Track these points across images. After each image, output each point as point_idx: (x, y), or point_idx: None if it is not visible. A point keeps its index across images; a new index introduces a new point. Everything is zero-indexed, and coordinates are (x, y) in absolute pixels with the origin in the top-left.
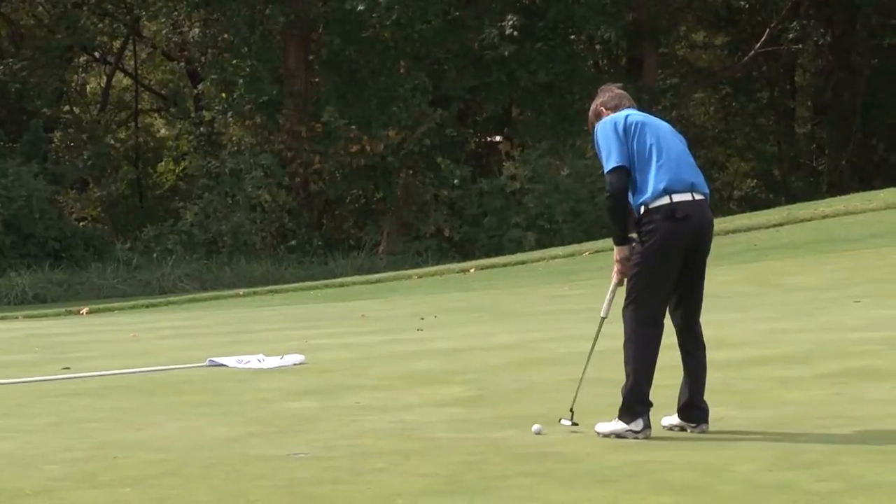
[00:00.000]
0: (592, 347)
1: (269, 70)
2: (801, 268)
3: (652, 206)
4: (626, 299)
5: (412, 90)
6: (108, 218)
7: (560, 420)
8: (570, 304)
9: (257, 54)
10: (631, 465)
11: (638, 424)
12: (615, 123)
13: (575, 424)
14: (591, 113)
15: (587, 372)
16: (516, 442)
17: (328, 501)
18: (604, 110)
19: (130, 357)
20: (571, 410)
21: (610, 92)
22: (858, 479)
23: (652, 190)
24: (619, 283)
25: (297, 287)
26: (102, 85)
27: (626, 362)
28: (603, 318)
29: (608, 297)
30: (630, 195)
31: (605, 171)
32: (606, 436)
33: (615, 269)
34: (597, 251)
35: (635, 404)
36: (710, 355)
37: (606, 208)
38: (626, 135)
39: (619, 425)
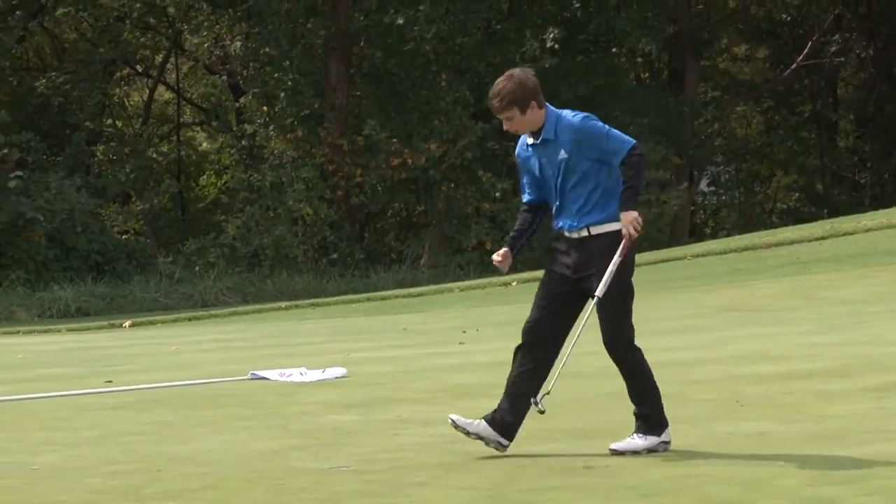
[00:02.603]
0: (579, 331)
1: (310, 83)
2: (844, 281)
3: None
4: (610, 322)
5: (453, 103)
6: (150, 231)
7: (532, 400)
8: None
9: (299, 68)
10: (672, 480)
11: (667, 435)
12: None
13: (541, 412)
14: (521, 86)
15: (567, 360)
16: (556, 455)
17: None
18: (535, 104)
19: (173, 370)
20: (547, 393)
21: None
22: None
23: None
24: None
25: (339, 300)
26: (145, 98)
27: (639, 380)
28: (598, 299)
29: (609, 273)
30: (600, 208)
31: (632, 143)
32: (637, 453)
33: (631, 231)
34: (638, 265)
35: (661, 416)
36: (753, 369)
37: (642, 169)
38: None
39: (652, 440)
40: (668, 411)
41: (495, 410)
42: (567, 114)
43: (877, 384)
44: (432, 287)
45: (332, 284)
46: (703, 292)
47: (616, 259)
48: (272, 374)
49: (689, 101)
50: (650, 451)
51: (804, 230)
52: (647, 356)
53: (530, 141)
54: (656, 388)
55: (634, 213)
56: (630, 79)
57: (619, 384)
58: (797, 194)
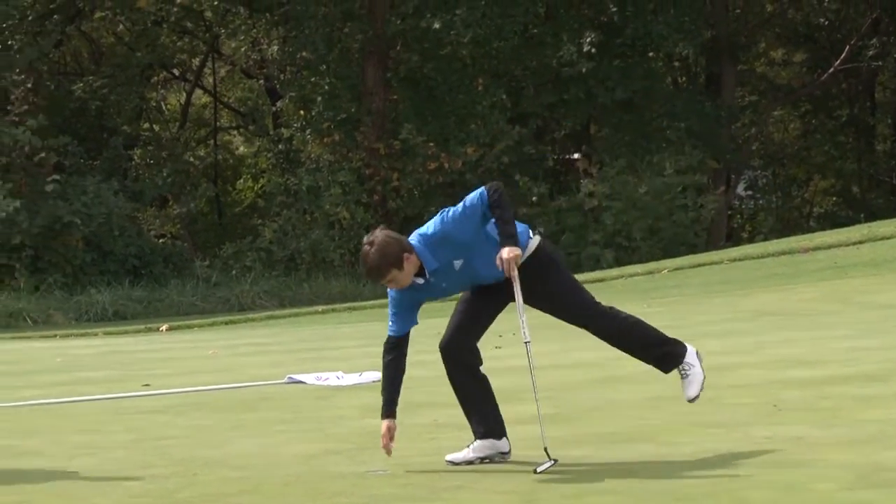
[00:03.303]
0: (532, 376)
1: (347, 87)
2: (882, 285)
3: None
4: (582, 301)
5: (490, 107)
6: (187, 235)
7: (535, 470)
8: (648, 321)
9: (336, 72)
10: (709, 484)
11: (691, 351)
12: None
13: (555, 461)
14: (383, 250)
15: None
16: (594, 460)
17: None
18: (406, 256)
19: (209, 374)
20: (546, 450)
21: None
22: None
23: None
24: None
25: (376, 304)
26: (182, 102)
27: (637, 340)
28: (529, 343)
29: (523, 315)
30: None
31: (482, 192)
32: (699, 394)
33: (511, 271)
34: (676, 269)
35: (671, 346)
36: (790, 373)
37: (501, 199)
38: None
39: (691, 358)
40: (706, 416)
41: (474, 432)
42: (429, 233)
43: None
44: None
45: (368, 288)
46: (740, 296)
47: (519, 296)
48: (309, 378)
49: (726, 106)
50: (702, 378)
51: (841, 234)
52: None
53: (420, 281)
54: (651, 328)
55: (516, 251)
56: (667, 83)
57: (653, 388)
58: (834, 198)
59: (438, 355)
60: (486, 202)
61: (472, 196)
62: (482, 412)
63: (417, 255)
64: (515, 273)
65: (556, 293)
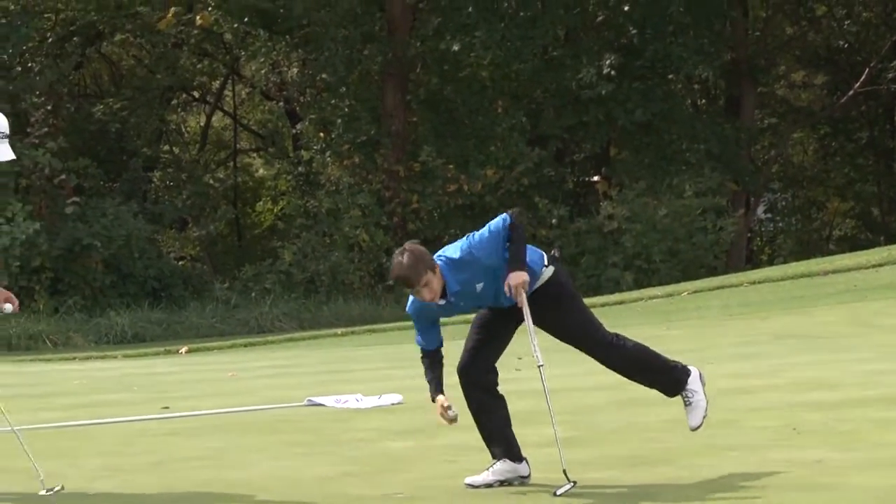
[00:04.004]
0: (548, 399)
1: (367, 110)
2: None
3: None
4: (592, 331)
5: (510, 129)
6: (206, 257)
7: (555, 493)
8: (668, 344)
9: (355, 94)
10: None
11: (695, 376)
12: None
13: (574, 484)
14: (417, 255)
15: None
16: (613, 482)
17: None
18: (429, 272)
19: (229, 396)
20: (565, 472)
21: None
22: None
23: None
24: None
25: (395, 326)
26: (201, 124)
27: (642, 368)
28: (542, 367)
29: (535, 338)
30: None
31: (504, 221)
32: (702, 422)
33: (520, 295)
34: (696, 291)
35: (676, 372)
36: (810, 396)
37: (518, 230)
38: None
39: (693, 384)
40: (725, 439)
41: (493, 455)
42: (454, 256)
43: None
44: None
45: (388, 311)
46: (759, 319)
47: (529, 321)
48: (328, 401)
49: (745, 128)
50: (706, 404)
51: (861, 257)
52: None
53: (441, 302)
54: (655, 354)
55: (524, 276)
56: (687, 105)
57: (672, 411)
58: (854, 221)
59: (456, 378)
60: (507, 227)
61: (496, 221)
62: (502, 434)
63: (442, 275)
64: (523, 297)
65: (567, 325)
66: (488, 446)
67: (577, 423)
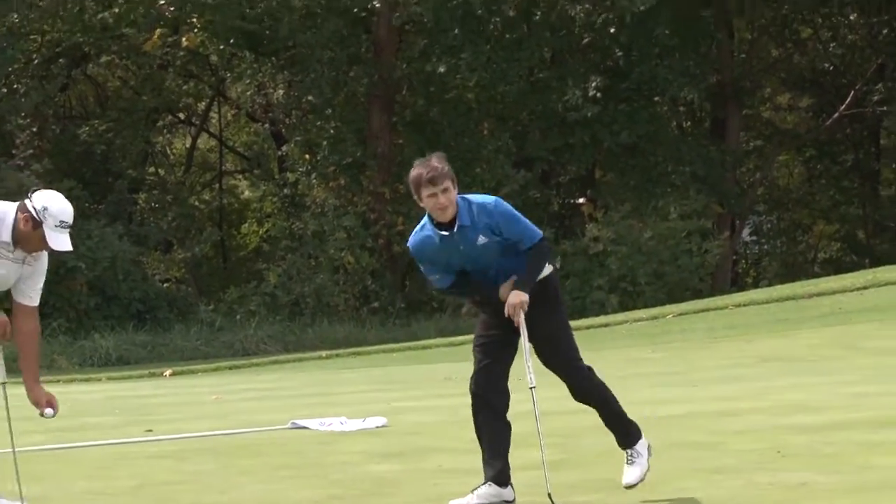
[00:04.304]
0: (538, 422)
1: (352, 131)
2: (887, 331)
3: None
4: (571, 352)
5: (495, 151)
6: (191, 279)
7: None
8: (653, 367)
9: (341, 116)
10: None
11: (643, 442)
12: None
13: None
14: (447, 165)
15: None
16: None
17: None
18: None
19: (213, 419)
20: (549, 496)
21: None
22: None
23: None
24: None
25: (380, 349)
26: (187, 146)
27: (605, 401)
28: (534, 388)
29: (529, 360)
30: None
31: (541, 235)
32: (638, 483)
33: (517, 316)
34: (681, 314)
35: (631, 426)
36: (795, 419)
37: (546, 258)
38: None
39: (640, 456)
40: (710, 462)
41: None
42: (477, 199)
43: None
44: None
45: (373, 333)
46: (744, 342)
47: (525, 342)
48: (313, 424)
49: (731, 150)
50: (647, 469)
51: (846, 280)
52: (689, 406)
53: (444, 233)
54: (618, 403)
55: (525, 298)
56: (672, 127)
57: (657, 434)
58: (839, 244)
59: (442, 401)
60: (532, 244)
61: (529, 226)
62: (499, 458)
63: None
64: (521, 319)
65: (550, 324)
66: (484, 466)
67: (563, 445)
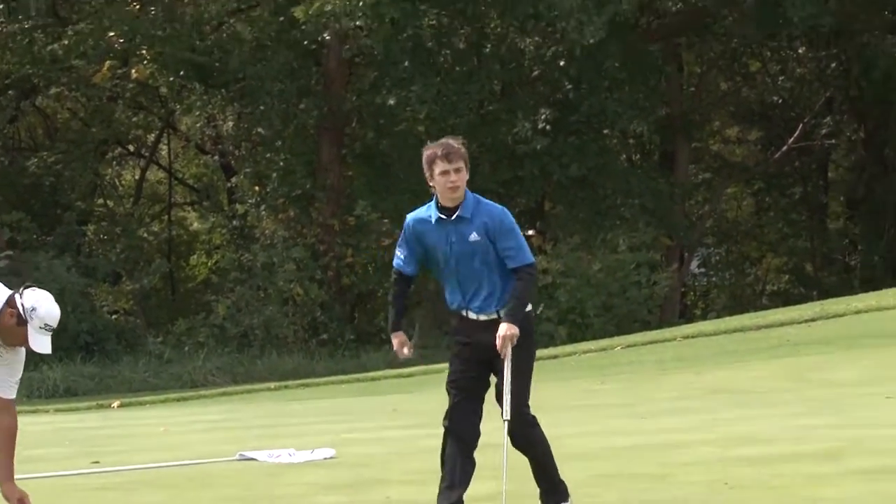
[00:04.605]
0: (505, 454)
1: (302, 163)
2: (834, 363)
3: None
4: (522, 397)
5: None
6: (140, 311)
7: None
8: (601, 398)
9: (291, 148)
10: None
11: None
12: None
13: None
14: (463, 154)
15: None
16: None
17: None
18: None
19: (161, 451)
20: None
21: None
22: None
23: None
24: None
25: (329, 381)
26: (136, 178)
27: (542, 454)
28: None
29: (508, 390)
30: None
31: (532, 261)
32: None
33: (506, 347)
34: (629, 345)
35: (561, 485)
36: (743, 451)
37: (531, 288)
38: None
39: None
40: (658, 493)
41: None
42: (487, 201)
43: (867, 467)
44: (422, 367)
45: (321, 365)
46: (693, 374)
47: (508, 375)
48: (261, 455)
49: (680, 183)
50: None
51: (794, 312)
52: (638, 438)
53: (442, 216)
54: (554, 462)
55: (516, 331)
56: (622, 160)
57: (604, 466)
58: (787, 276)
59: (390, 432)
60: (519, 264)
61: (524, 245)
62: (456, 489)
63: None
64: (508, 352)
65: (517, 358)
66: (440, 495)
67: (511, 477)
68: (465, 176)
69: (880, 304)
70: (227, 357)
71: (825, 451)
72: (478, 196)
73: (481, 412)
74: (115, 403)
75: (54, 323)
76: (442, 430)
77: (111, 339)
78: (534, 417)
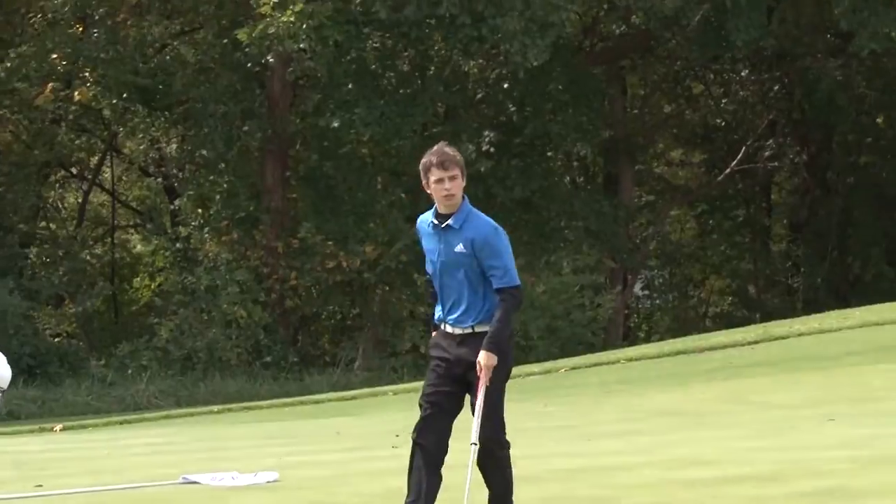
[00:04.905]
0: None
1: (246, 186)
2: (776, 385)
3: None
4: (499, 420)
5: (389, 206)
6: (83, 334)
7: None
8: (546, 421)
9: (234, 170)
10: None
11: None
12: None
13: None
14: (459, 161)
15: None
16: None
17: None
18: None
19: (104, 474)
20: None
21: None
22: None
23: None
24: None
25: (273, 404)
26: (79, 201)
27: (503, 481)
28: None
29: (478, 414)
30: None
31: (518, 283)
32: None
33: (487, 377)
34: (573, 368)
35: None
36: (686, 473)
37: (514, 312)
38: None
39: None
40: None
41: None
42: (483, 216)
43: (810, 489)
44: (366, 390)
45: (265, 388)
46: (636, 396)
47: (480, 398)
48: (204, 478)
49: (623, 205)
50: None
51: (737, 334)
52: (583, 460)
53: (435, 222)
54: (512, 490)
55: (494, 362)
56: (565, 182)
57: (551, 487)
58: (730, 298)
59: (334, 455)
60: (504, 285)
61: (511, 267)
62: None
63: (463, 203)
64: (485, 379)
65: (488, 400)
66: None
67: (456, 500)
68: (460, 183)
69: (822, 326)
70: (170, 380)
71: (769, 473)
72: (474, 210)
73: (450, 428)
74: (58, 427)
75: (5, 385)
76: (411, 444)
77: (54, 363)
78: (508, 443)
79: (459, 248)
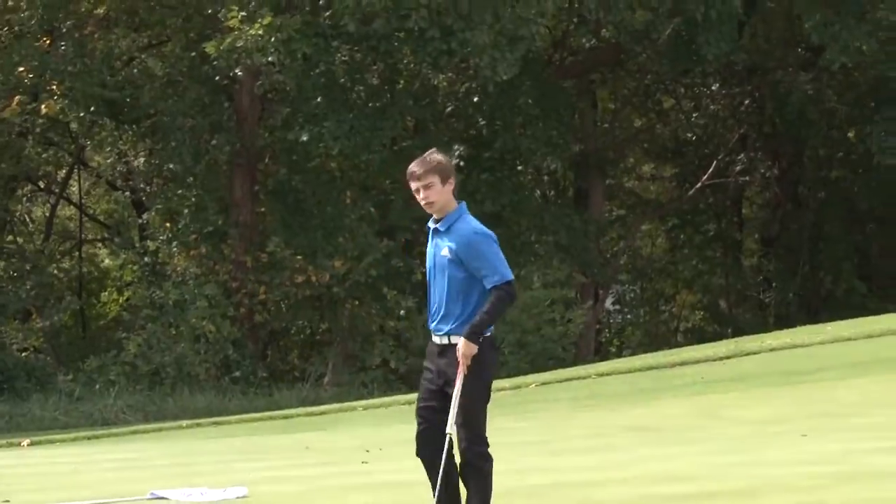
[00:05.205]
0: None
1: (214, 200)
2: (748, 401)
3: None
4: (480, 428)
5: (358, 220)
6: (50, 349)
7: None
8: (517, 436)
9: (203, 184)
10: None
11: None
12: (496, 240)
13: None
14: (444, 161)
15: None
16: None
17: None
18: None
19: (72, 490)
20: None
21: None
22: None
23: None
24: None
25: (241, 419)
26: (46, 214)
27: (481, 491)
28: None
29: (455, 404)
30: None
31: (509, 278)
32: None
33: (465, 365)
34: (543, 383)
35: None
36: (658, 489)
37: (503, 305)
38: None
39: None
40: None
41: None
42: (471, 221)
43: None
44: (335, 405)
45: (234, 403)
46: (608, 411)
47: (457, 390)
48: (173, 494)
49: (594, 220)
50: None
51: (708, 349)
52: (555, 476)
53: (430, 225)
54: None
55: (474, 349)
56: (536, 196)
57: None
58: (701, 313)
59: (303, 470)
60: (496, 282)
61: (500, 264)
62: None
63: (455, 207)
64: (463, 369)
65: (466, 405)
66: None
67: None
68: (438, 189)
69: (794, 341)
70: (138, 395)
71: (741, 488)
72: (466, 215)
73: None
74: (26, 442)
75: None
76: None
77: (21, 377)
78: (490, 454)
79: (444, 252)
